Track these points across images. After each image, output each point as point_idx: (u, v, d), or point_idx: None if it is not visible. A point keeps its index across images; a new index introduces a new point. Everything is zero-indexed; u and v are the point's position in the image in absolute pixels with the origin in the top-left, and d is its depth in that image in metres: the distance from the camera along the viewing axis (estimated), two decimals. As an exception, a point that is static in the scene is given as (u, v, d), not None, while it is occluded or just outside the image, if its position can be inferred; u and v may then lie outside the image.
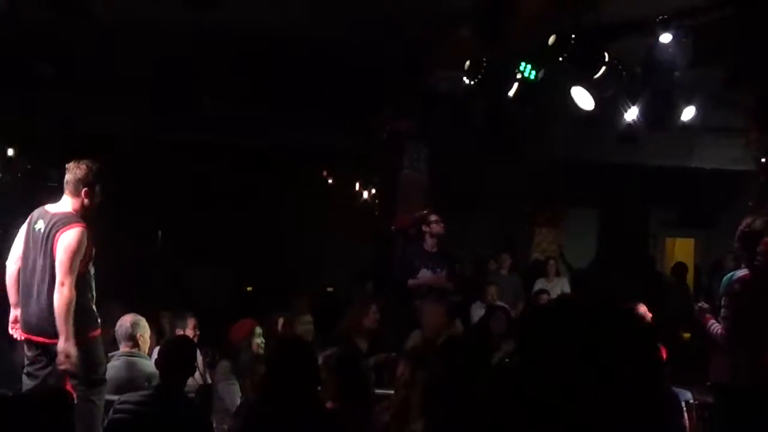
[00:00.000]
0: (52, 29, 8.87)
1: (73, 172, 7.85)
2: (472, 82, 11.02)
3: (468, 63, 10.90)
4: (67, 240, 7.68)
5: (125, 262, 9.63)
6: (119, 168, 8.13)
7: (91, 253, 7.82)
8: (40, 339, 7.92)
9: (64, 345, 7.52)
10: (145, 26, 10.07)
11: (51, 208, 7.91)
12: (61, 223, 7.76)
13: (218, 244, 15.47)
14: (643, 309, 10.93)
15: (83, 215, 7.83)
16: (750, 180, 8.47)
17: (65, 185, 7.89)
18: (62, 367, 7.54)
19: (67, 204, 7.87)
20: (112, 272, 8.19)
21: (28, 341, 7.98)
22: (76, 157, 8.02)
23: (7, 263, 8.05)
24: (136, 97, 13.06)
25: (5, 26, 6.23)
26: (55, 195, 8.07)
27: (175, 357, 7.17)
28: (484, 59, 10.74)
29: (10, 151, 12.49)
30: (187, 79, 12.79)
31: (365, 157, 15.91)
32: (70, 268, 7.63)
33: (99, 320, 7.93)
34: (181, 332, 9.60)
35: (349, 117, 14.88)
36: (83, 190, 7.81)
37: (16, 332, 8.00)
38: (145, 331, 8.57)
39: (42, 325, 7.84)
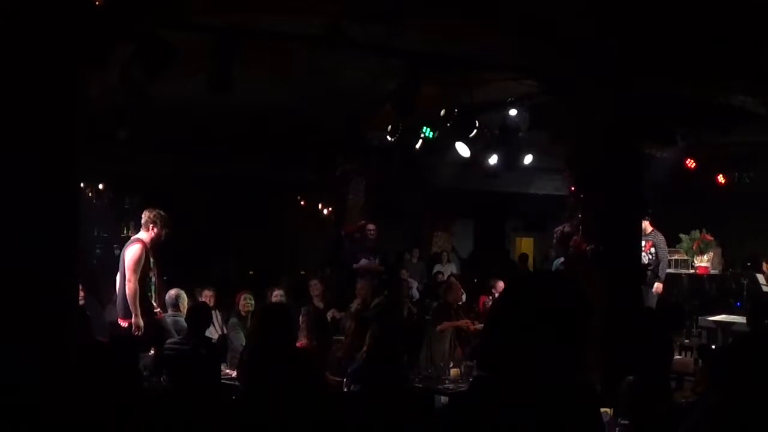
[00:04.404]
0: (125, 106, 8.84)
1: (144, 215, 8.02)
2: (393, 139, 11.08)
3: (390, 126, 10.95)
4: (127, 253, 7.76)
5: (172, 253, 9.53)
6: (166, 196, 8.16)
7: (148, 264, 7.84)
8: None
9: (134, 320, 7.68)
10: (183, 104, 10.06)
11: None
12: (127, 242, 7.83)
13: (231, 244, 15.39)
14: (501, 283, 10.98)
15: (152, 239, 7.90)
16: (565, 201, 8.62)
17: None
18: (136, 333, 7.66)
19: (141, 234, 7.92)
20: (165, 261, 8.21)
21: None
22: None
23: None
24: (176, 150, 13.02)
25: (97, 106, 6.24)
26: (127, 214, 8.13)
27: (199, 315, 7.29)
28: (400, 124, 10.79)
29: (101, 186, 12.43)
30: (211, 137, 12.79)
31: (325, 188, 15.95)
32: (132, 271, 7.64)
33: (157, 309, 8.00)
34: (205, 300, 9.60)
35: (315, 162, 14.89)
36: (149, 226, 7.89)
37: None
38: (184, 300, 8.58)
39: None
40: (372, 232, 12.39)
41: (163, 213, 8.05)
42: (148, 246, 7.85)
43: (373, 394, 5.76)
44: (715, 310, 11.30)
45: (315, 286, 10.89)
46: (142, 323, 7.66)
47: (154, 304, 7.93)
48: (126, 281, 7.68)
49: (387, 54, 8.18)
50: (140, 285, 7.70)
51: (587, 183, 8.16)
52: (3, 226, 5.08)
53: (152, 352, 7.54)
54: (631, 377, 5.14)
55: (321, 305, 10.18)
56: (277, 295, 10.12)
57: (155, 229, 7.95)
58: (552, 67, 7.93)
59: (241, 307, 9.60)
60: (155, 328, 7.67)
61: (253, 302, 9.67)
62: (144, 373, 6.73)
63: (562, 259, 8.88)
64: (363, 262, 12.07)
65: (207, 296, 9.84)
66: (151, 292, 7.91)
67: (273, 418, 5.11)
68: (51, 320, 5.15)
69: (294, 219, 16.47)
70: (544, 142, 10.04)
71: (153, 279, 7.94)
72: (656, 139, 9.24)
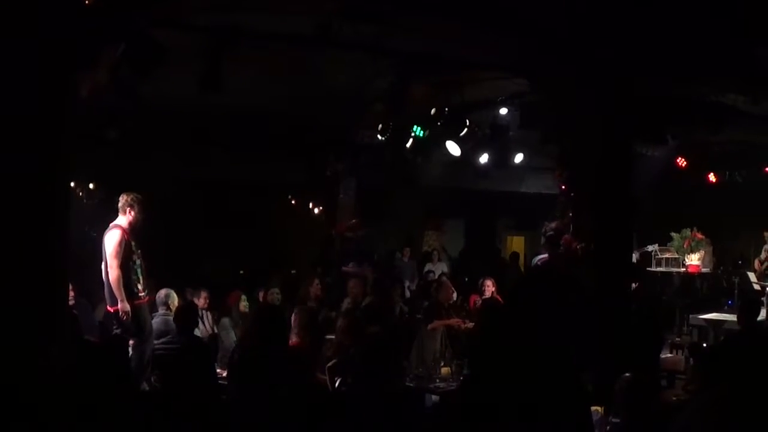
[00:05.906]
0: (116, 106, 8.79)
1: (121, 199, 7.82)
2: (384, 138, 11.09)
3: (380, 126, 10.96)
4: (107, 240, 7.63)
5: (163, 254, 9.41)
6: (157, 196, 8.07)
7: (130, 248, 7.68)
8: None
9: (121, 305, 7.52)
10: (174, 104, 10.04)
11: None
12: (106, 230, 7.70)
13: (223, 243, 15.35)
14: (490, 281, 10.94)
15: (130, 223, 7.76)
16: (556, 199, 8.64)
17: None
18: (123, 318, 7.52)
19: (119, 219, 7.80)
20: (156, 261, 8.10)
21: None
22: (130, 189, 7.95)
23: None
24: (167, 150, 12.99)
25: (88, 105, 6.22)
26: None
27: (186, 315, 7.28)
28: (391, 123, 10.81)
29: (91, 185, 12.36)
30: (202, 137, 12.76)
31: (316, 187, 15.95)
32: (114, 257, 7.55)
33: (141, 294, 7.83)
34: (197, 300, 9.56)
35: (306, 162, 14.88)
36: (126, 209, 7.77)
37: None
38: (174, 300, 8.53)
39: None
40: (362, 231, 12.44)
41: (139, 196, 7.88)
42: (128, 230, 7.75)
43: (363, 393, 5.77)
44: (706, 309, 11.34)
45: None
46: (128, 308, 7.53)
47: (139, 287, 7.83)
48: (108, 268, 7.54)
49: (378, 54, 8.19)
50: (124, 270, 7.56)
51: (578, 181, 8.18)
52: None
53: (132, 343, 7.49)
54: (627, 374, 5.14)
55: (313, 304, 10.19)
56: (272, 293, 10.12)
57: (132, 213, 7.78)
58: (546, 68, 7.94)
59: (240, 309, 9.60)
60: (133, 315, 7.60)
61: (247, 303, 9.69)
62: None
63: (541, 256, 8.84)
64: (354, 266, 12.10)
65: (201, 296, 9.83)
66: (136, 275, 7.77)
67: (264, 417, 5.11)
68: (41, 320, 5.14)
69: (285, 219, 16.43)
70: (535, 141, 10.06)
71: (138, 262, 7.81)
72: (647, 137, 9.26)
